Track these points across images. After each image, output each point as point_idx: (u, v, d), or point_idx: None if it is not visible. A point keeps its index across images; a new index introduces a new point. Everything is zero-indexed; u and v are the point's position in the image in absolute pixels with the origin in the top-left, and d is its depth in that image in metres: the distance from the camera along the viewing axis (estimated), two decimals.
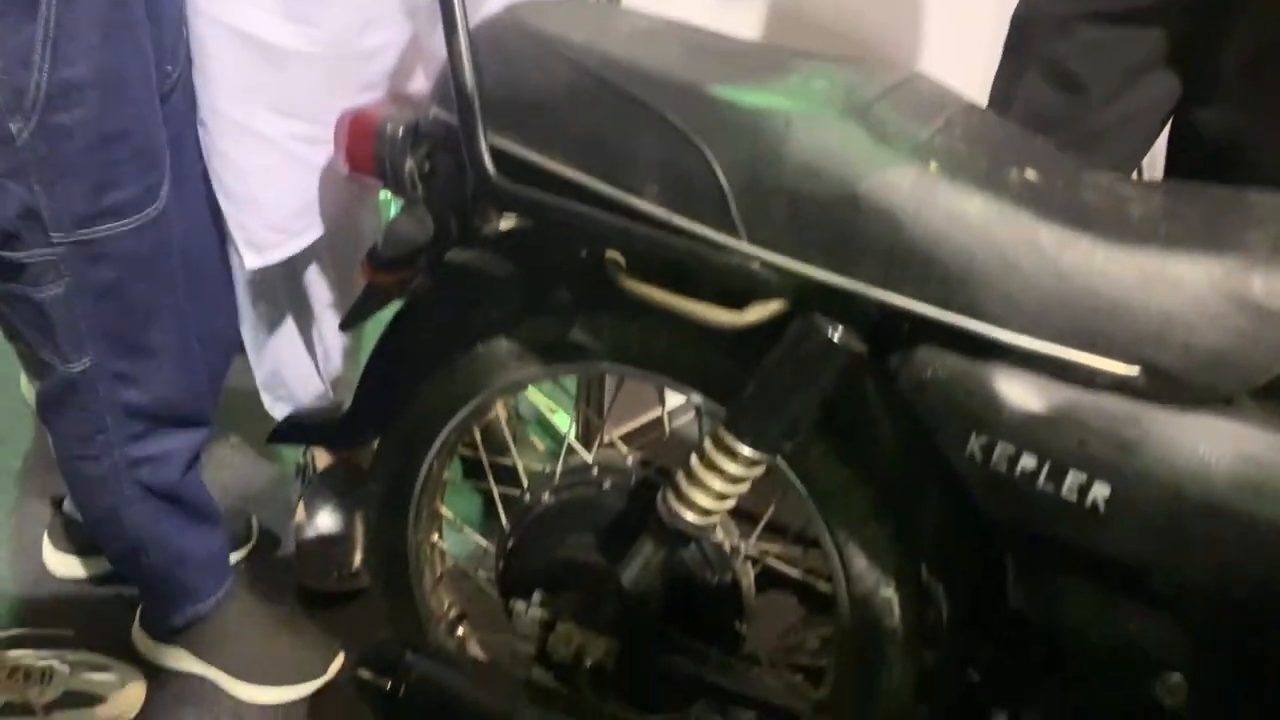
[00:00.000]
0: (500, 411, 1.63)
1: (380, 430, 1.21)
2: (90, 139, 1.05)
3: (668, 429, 1.37)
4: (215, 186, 1.19)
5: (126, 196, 1.10)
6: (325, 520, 1.56)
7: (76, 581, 1.54)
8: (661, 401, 1.15)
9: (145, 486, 1.27)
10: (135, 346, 1.19)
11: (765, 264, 0.85)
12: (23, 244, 1.09)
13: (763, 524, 1.12)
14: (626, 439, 1.85)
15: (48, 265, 1.10)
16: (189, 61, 1.16)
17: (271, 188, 1.19)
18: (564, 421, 1.82)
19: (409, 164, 1.03)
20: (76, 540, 1.53)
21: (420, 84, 1.22)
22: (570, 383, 1.67)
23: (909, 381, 0.85)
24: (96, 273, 1.12)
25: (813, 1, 1.76)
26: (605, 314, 1.05)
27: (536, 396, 1.86)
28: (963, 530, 0.97)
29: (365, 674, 1.06)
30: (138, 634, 1.44)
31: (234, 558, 1.57)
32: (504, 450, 1.60)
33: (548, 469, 1.19)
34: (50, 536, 1.54)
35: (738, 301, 0.89)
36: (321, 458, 1.62)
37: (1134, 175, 1.41)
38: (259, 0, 1.12)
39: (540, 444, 1.78)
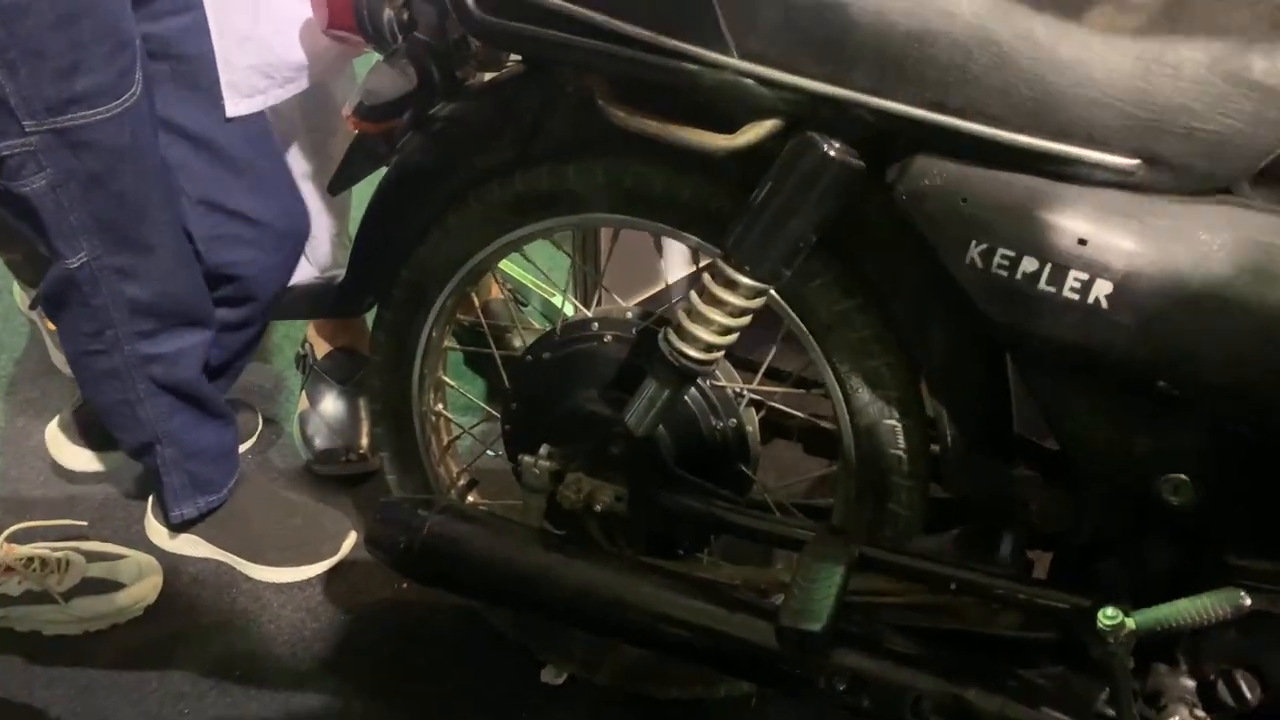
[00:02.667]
0: (499, 292, 1.63)
1: (378, 297, 1.20)
2: (47, 18, 1.03)
3: (667, 281, 1.36)
4: (210, 23, 1.16)
5: (97, 82, 1.08)
6: (329, 406, 1.57)
7: (89, 475, 1.55)
8: (658, 250, 1.15)
9: (158, 384, 1.27)
10: (130, 240, 1.18)
11: (757, 79, 0.84)
12: None
13: (765, 366, 1.12)
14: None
15: (26, 156, 1.09)
16: None
17: (261, 26, 1.16)
18: (561, 301, 1.82)
19: (387, 13, 1.01)
20: (91, 435, 1.53)
21: None
22: (566, 276, 1.67)
23: (907, 192, 0.84)
24: (79, 163, 1.11)
25: None
26: (598, 160, 1.03)
27: (534, 282, 1.85)
28: (965, 353, 0.97)
29: (379, 530, 1.07)
30: (150, 524, 1.45)
31: (241, 449, 1.57)
32: (505, 331, 1.60)
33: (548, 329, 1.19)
34: (64, 430, 1.54)
35: (730, 124, 0.88)
36: (320, 346, 1.61)
37: None
38: None
39: (539, 326, 1.78)
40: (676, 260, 1.59)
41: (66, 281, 1.17)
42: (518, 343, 1.59)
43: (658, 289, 1.68)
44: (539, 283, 1.83)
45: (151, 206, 1.16)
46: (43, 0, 1.01)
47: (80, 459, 1.54)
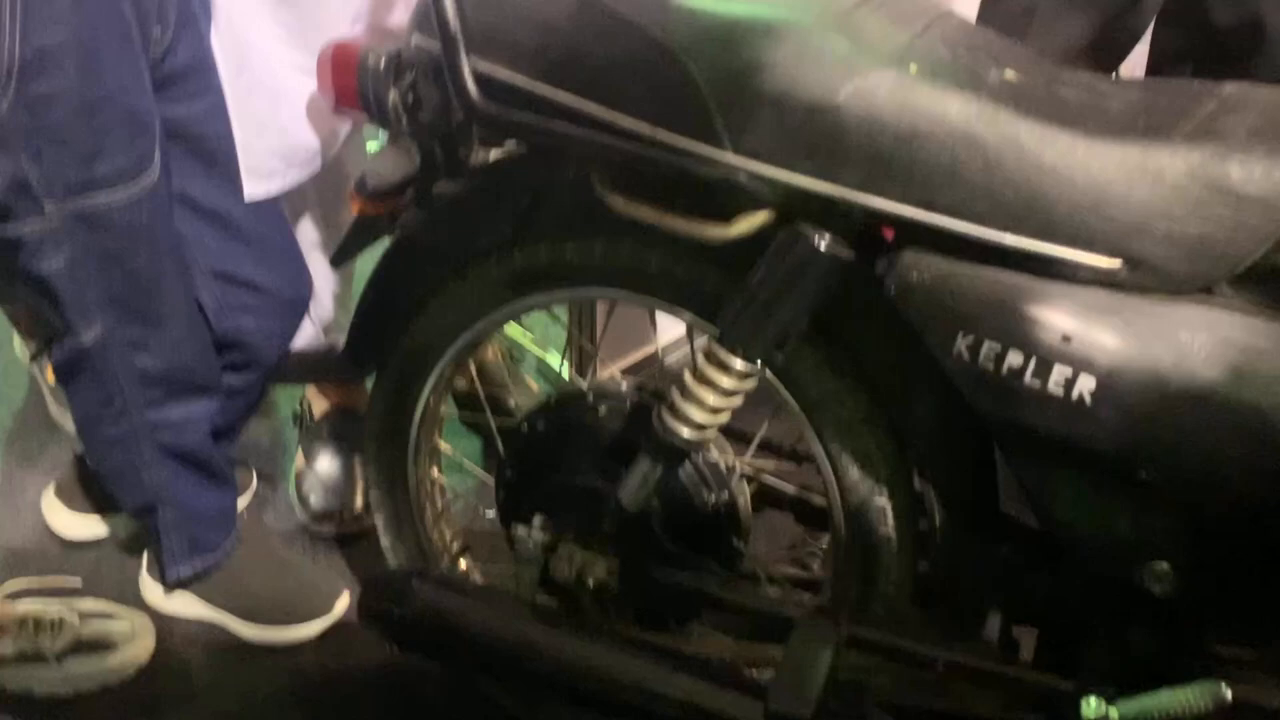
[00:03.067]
0: (495, 354, 1.65)
1: (376, 364, 1.22)
2: (72, 106, 1.05)
3: (660, 353, 1.39)
4: (230, 110, 1.18)
5: (117, 165, 1.10)
6: (325, 465, 1.58)
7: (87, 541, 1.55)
8: (653, 324, 1.17)
9: (165, 449, 1.29)
10: (144, 314, 1.19)
11: (751, 174, 0.86)
12: (16, 216, 1.08)
13: (757, 440, 1.14)
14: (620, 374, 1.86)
15: (45, 237, 1.10)
16: (182, 25, 1.14)
17: (279, 112, 1.19)
18: (558, 361, 1.84)
19: (393, 95, 1.03)
20: (88, 499, 1.54)
21: (402, 16, 1.22)
22: (563, 333, 1.69)
23: (896, 285, 0.86)
24: (97, 242, 1.12)
25: None
26: (595, 237, 1.06)
27: (530, 342, 1.87)
28: (953, 435, 0.99)
29: (371, 601, 1.08)
30: (145, 582, 1.46)
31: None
32: (501, 391, 1.62)
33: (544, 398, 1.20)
34: (60, 497, 1.55)
35: (725, 214, 0.90)
36: (318, 404, 1.63)
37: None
38: None
39: (535, 385, 1.80)
40: (669, 327, 1.61)
41: (79, 354, 1.19)
42: (513, 403, 1.60)
43: (651, 349, 1.71)
44: (535, 342, 1.85)
45: (165, 281, 1.18)
46: (69, 89, 1.03)
47: (76, 526, 1.54)
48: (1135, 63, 1.42)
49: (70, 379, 1.23)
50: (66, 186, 1.07)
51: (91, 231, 1.10)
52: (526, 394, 1.76)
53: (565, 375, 1.68)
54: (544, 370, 1.83)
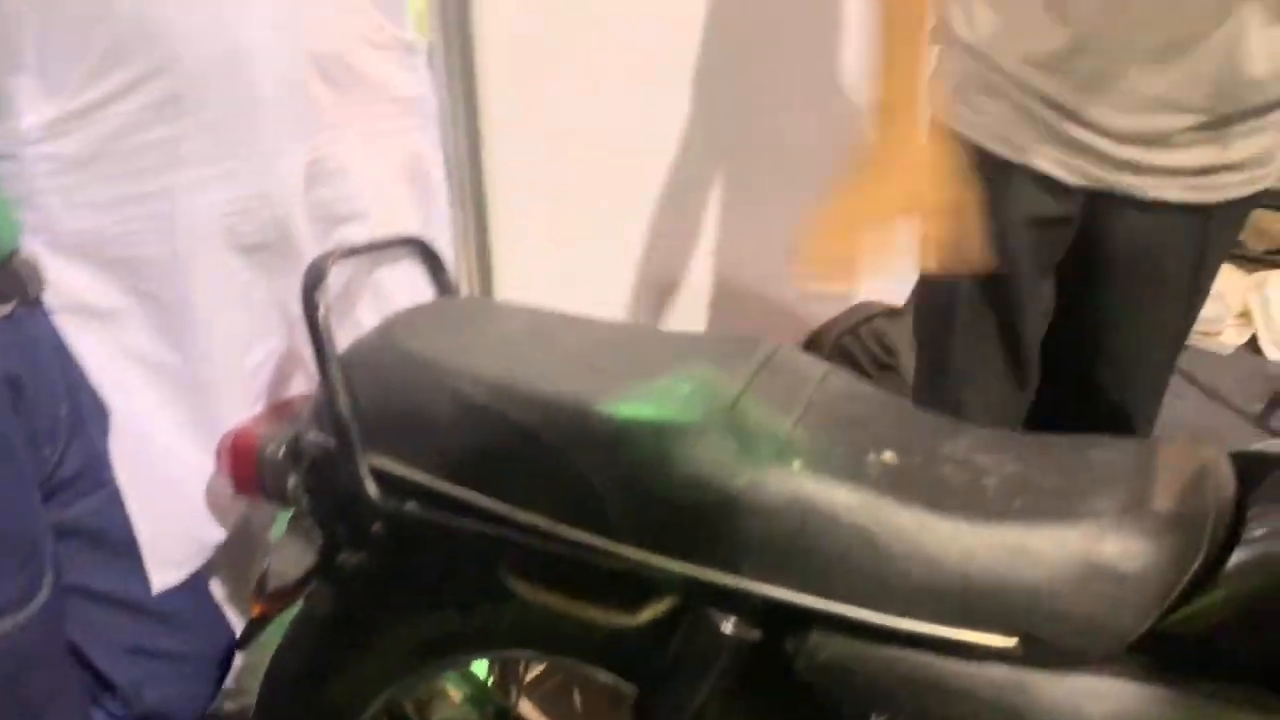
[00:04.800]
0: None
1: None
2: None
3: (578, 701, 1.36)
4: (132, 511, 1.15)
5: (5, 596, 1.04)
6: None
7: None
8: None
9: None
10: None
11: (651, 566, 0.87)
12: None
13: None
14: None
15: None
16: (72, 435, 1.12)
17: (184, 505, 1.17)
18: (482, 669, 1.79)
19: (292, 481, 1.04)
20: None
21: (301, 385, 1.24)
22: None
23: (804, 665, 0.86)
24: None
25: None
26: (506, 604, 1.05)
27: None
28: None
29: None
30: None
31: None
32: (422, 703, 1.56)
33: None
34: None
35: (631, 601, 0.91)
36: None
37: None
38: (146, 325, 1.12)
39: (457, 694, 1.74)
40: None
41: None
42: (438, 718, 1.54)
43: None
44: None
45: (60, 694, 1.13)
46: None
47: None
48: None
49: None
50: None
51: None
52: (448, 706, 1.70)
53: (489, 682, 1.64)
54: (468, 679, 1.78)
